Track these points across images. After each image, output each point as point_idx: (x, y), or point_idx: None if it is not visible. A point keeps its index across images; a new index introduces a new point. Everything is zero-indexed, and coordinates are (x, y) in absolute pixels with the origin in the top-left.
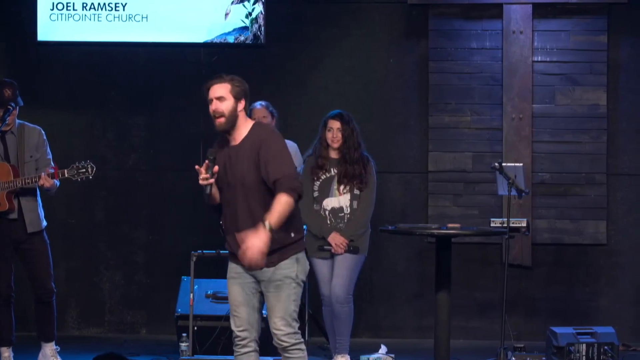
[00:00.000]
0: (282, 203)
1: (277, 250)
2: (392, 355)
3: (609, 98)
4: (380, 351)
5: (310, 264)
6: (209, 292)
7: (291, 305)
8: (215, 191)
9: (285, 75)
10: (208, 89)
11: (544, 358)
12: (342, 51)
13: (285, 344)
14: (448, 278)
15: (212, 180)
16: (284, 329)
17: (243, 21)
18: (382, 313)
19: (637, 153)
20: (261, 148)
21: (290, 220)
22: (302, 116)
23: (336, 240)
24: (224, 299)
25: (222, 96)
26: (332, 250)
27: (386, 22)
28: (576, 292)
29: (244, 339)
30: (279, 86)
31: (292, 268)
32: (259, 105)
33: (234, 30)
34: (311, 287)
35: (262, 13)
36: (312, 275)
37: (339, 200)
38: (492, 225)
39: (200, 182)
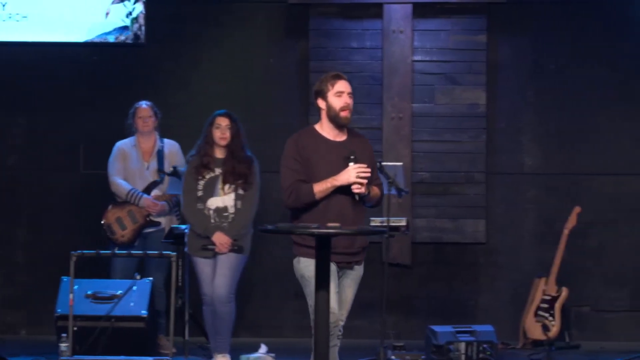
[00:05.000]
0: (379, 194)
1: (363, 251)
2: (273, 355)
3: (488, 97)
4: (260, 350)
5: (193, 263)
6: (89, 293)
7: None
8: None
9: (166, 75)
10: (335, 81)
11: (423, 357)
12: (223, 51)
13: (340, 333)
14: (327, 277)
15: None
16: (345, 321)
17: (124, 21)
18: (262, 312)
19: (516, 152)
20: (371, 152)
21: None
22: (183, 116)
23: (221, 239)
24: (104, 299)
25: (351, 93)
26: (216, 250)
27: (266, 21)
28: (456, 290)
29: (332, 332)
30: (160, 86)
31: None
32: (144, 104)
33: (115, 29)
34: (191, 287)
35: (142, 12)
36: (192, 274)
37: (224, 199)
38: (372, 224)
39: (359, 178)
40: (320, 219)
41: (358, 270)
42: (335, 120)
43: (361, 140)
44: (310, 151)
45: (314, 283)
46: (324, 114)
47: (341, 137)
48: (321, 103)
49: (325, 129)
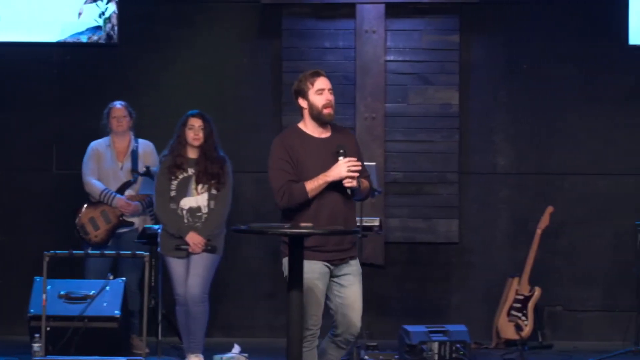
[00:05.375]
0: (369, 187)
1: (354, 246)
2: (246, 355)
3: (460, 97)
4: (233, 350)
5: (166, 263)
6: (62, 293)
7: None
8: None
9: (138, 75)
10: (314, 78)
11: (396, 357)
12: (195, 51)
13: (354, 338)
14: (300, 277)
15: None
16: (360, 324)
17: (96, 21)
18: (234, 312)
19: (488, 152)
20: (357, 145)
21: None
22: (155, 116)
23: (194, 239)
24: (77, 299)
25: (331, 88)
26: (190, 250)
27: (239, 21)
28: (429, 290)
29: (314, 334)
30: (132, 86)
31: None
32: (119, 104)
33: (87, 29)
34: (164, 287)
35: (115, 13)
36: (165, 274)
37: (197, 199)
38: None
39: (350, 172)
40: (313, 218)
41: (356, 265)
42: (318, 118)
43: (346, 134)
44: (298, 150)
45: (304, 283)
46: (306, 113)
47: (326, 134)
48: (302, 102)
49: (310, 127)
